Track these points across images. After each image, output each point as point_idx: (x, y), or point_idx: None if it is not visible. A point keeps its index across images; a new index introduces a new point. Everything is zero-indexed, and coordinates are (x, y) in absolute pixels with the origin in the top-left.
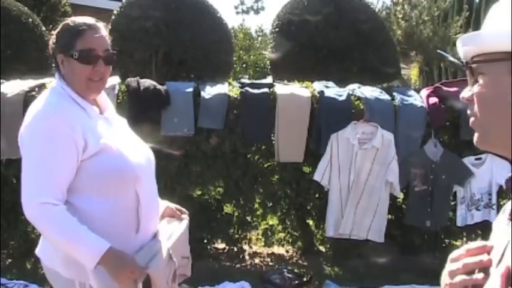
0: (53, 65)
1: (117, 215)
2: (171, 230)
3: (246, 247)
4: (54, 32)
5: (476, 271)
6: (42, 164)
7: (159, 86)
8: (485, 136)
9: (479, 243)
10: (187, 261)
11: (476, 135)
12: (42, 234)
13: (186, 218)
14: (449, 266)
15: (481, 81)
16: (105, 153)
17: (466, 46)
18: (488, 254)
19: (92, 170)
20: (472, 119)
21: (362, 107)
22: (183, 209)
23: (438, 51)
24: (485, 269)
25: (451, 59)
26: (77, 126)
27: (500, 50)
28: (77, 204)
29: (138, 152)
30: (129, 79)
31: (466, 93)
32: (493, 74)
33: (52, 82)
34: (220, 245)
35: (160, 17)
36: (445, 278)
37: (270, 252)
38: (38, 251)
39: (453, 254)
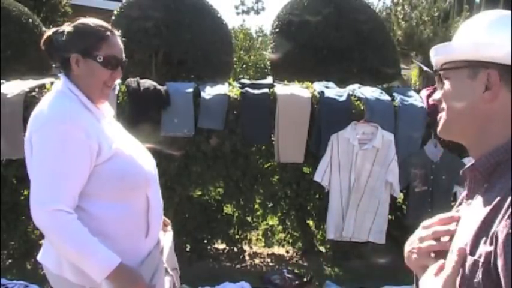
0: (53, 64)
1: (129, 219)
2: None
3: (246, 247)
4: (65, 30)
5: (444, 238)
6: (56, 170)
7: (159, 87)
8: (447, 127)
9: (450, 213)
10: (176, 273)
11: (440, 126)
12: (50, 242)
13: (170, 230)
14: (420, 232)
15: (447, 84)
16: (118, 158)
17: (438, 55)
18: (457, 223)
19: (105, 175)
20: (439, 115)
21: (362, 108)
22: (167, 220)
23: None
24: (452, 237)
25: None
26: (91, 132)
27: (463, 59)
28: (88, 209)
29: (144, 156)
30: (129, 79)
31: (436, 95)
32: (457, 78)
33: (56, 83)
34: (221, 246)
35: (160, 17)
36: (413, 242)
37: (270, 252)
38: (41, 257)
39: (426, 222)
